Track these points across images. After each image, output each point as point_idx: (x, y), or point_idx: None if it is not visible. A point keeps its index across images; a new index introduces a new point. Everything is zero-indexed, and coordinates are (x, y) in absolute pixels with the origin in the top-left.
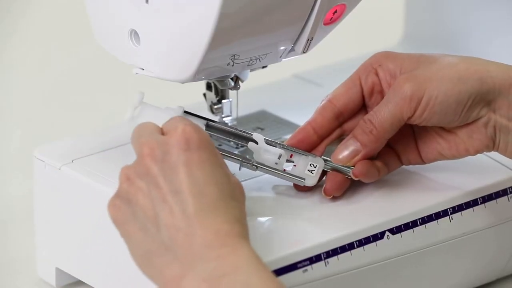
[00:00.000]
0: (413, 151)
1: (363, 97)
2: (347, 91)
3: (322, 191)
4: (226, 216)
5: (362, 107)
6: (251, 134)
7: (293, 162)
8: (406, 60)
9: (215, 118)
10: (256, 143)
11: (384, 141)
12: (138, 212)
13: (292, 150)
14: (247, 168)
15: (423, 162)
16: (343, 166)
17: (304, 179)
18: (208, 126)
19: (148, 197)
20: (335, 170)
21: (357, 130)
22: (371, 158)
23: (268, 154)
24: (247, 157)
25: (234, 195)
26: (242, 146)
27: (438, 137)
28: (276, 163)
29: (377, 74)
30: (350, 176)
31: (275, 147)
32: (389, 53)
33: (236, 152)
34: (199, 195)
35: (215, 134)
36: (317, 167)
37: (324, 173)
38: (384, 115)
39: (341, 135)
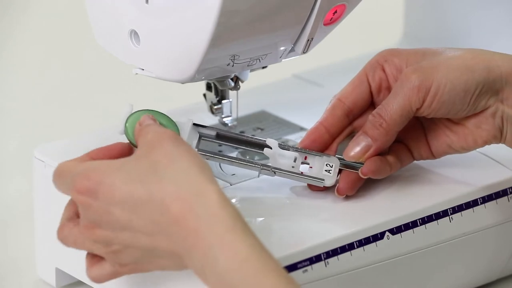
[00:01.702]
0: (424, 146)
1: (371, 94)
2: (355, 89)
3: (335, 191)
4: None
5: (371, 105)
6: (264, 141)
7: (308, 163)
8: (411, 54)
9: (215, 118)
10: (271, 148)
11: (394, 134)
12: (123, 261)
13: (305, 152)
14: (266, 174)
15: (433, 156)
16: (356, 162)
17: (323, 180)
18: (218, 136)
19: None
20: (349, 167)
21: (367, 125)
22: (382, 153)
23: (283, 158)
24: (247, 160)
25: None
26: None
27: (447, 130)
28: (292, 167)
29: (383, 70)
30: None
31: (289, 150)
32: (394, 49)
33: (234, 155)
34: (134, 212)
35: (227, 143)
36: (333, 166)
37: (339, 171)
38: (393, 107)
39: (352, 132)
